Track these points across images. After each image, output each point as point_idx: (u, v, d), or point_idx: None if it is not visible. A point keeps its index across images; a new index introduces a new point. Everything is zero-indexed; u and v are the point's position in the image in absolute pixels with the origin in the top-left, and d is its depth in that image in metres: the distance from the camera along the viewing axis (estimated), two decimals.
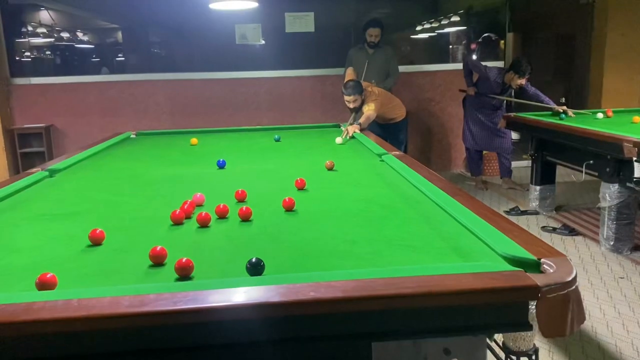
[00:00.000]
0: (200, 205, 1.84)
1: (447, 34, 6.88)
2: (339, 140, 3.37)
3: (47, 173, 2.47)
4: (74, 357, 1.01)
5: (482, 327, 1.10)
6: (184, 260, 1.21)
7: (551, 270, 1.12)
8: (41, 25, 6.59)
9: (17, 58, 6.14)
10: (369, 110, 4.13)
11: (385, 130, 4.63)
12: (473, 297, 1.05)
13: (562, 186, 5.21)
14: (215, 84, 6.19)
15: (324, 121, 5.05)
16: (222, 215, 1.69)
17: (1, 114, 5.76)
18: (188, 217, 1.70)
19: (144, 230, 1.62)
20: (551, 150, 4.42)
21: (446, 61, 6.78)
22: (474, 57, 6.47)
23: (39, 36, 6.50)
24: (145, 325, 1.00)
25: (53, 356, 1.01)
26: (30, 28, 6.43)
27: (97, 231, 1.48)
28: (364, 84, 4.47)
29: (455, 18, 6.79)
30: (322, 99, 6.28)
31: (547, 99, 4.95)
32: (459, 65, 6.44)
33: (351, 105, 4.27)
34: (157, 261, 1.29)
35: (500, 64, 6.51)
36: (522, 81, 5.03)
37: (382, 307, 1.04)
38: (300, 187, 2.11)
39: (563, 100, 5.58)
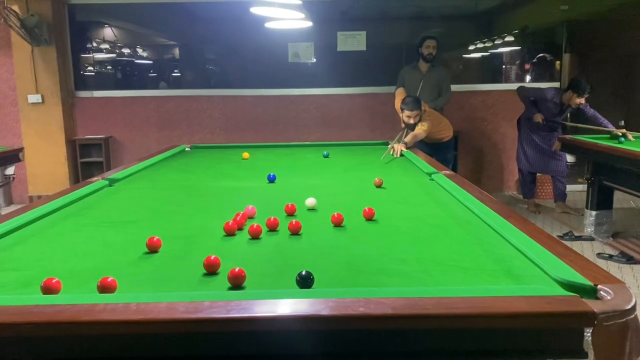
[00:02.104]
0: (251, 218, 1.88)
1: (501, 53, 6.79)
2: (386, 155, 3.40)
3: (107, 182, 2.58)
4: (130, 358, 1.06)
5: (534, 352, 1.07)
6: (237, 270, 1.24)
7: (609, 297, 1.08)
8: (104, 41, 6.92)
9: (81, 72, 6.46)
10: (420, 129, 4.12)
11: (433, 149, 4.60)
12: (526, 321, 1.03)
13: (619, 212, 5.00)
14: (267, 100, 6.32)
15: (372, 139, 5.06)
16: (272, 228, 1.72)
17: (65, 125, 6.06)
18: (240, 229, 1.74)
19: (198, 240, 1.67)
20: (608, 174, 4.27)
21: (499, 81, 6.69)
22: (527, 81, 6.37)
23: (102, 52, 6.83)
24: (198, 331, 1.03)
25: (110, 357, 1.05)
26: (94, 44, 6.77)
27: (155, 239, 1.53)
28: None
29: (510, 38, 6.70)
30: (371, 117, 6.30)
31: (606, 121, 4.80)
32: (512, 86, 6.33)
33: (411, 121, 4.30)
34: (211, 270, 1.32)
35: (555, 84, 6.37)
36: (582, 100, 4.91)
37: (432, 326, 1.04)
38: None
39: (622, 123, 5.38)
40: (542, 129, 5.30)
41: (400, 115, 4.48)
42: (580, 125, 4.99)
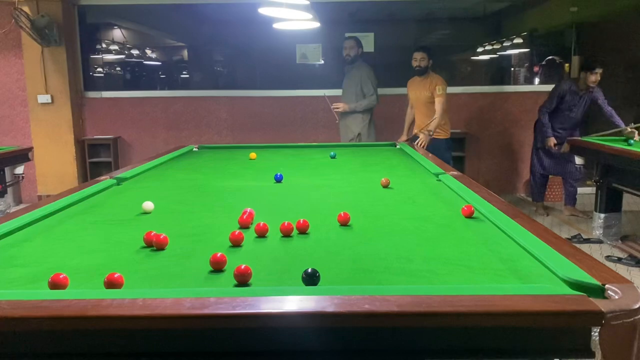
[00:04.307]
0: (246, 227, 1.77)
1: (510, 55, 6.77)
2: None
3: (115, 181, 2.60)
4: (135, 354, 1.06)
5: (541, 351, 1.07)
6: (243, 267, 1.24)
7: (616, 297, 1.08)
8: (114, 42, 6.98)
9: (90, 73, 6.51)
10: (438, 101, 4.78)
11: (430, 149, 4.68)
12: (532, 320, 1.03)
13: (628, 215, 4.97)
14: (274, 101, 6.33)
15: (380, 140, 5.06)
16: (287, 234, 1.66)
17: (75, 125, 6.10)
18: (246, 228, 1.74)
19: (205, 238, 1.67)
20: (618, 176, 4.24)
21: (508, 83, 6.67)
22: (536, 84, 6.35)
23: (112, 53, 6.88)
24: (204, 327, 1.03)
25: (116, 352, 1.06)
26: (104, 45, 6.82)
27: (161, 236, 1.54)
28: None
29: (519, 40, 6.68)
30: (379, 118, 6.29)
31: (620, 121, 4.82)
32: (521, 88, 6.31)
33: (417, 63, 4.83)
34: (217, 267, 1.33)
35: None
36: (596, 77, 4.97)
37: (437, 324, 1.03)
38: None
39: (632, 125, 5.35)
40: (565, 125, 5.26)
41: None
42: (596, 135, 4.94)
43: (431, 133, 4.77)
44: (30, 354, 1.05)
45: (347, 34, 5.87)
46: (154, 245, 1.53)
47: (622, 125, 4.74)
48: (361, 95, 5.16)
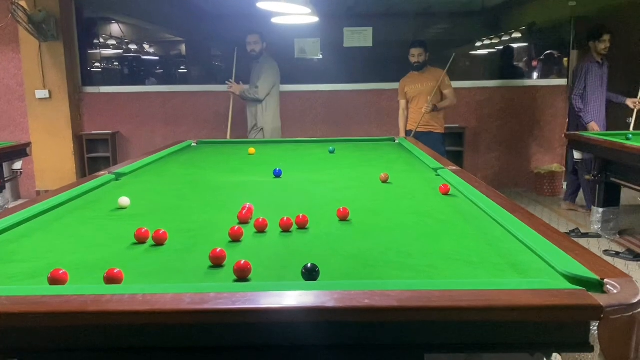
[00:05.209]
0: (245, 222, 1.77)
1: (508, 50, 6.75)
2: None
3: (113, 176, 2.60)
4: (135, 349, 1.06)
5: (539, 345, 1.07)
6: (242, 262, 1.24)
7: (615, 291, 1.08)
8: (111, 37, 6.95)
9: (88, 68, 6.49)
10: (449, 93, 4.94)
11: (426, 138, 4.71)
12: (531, 314, 1.03)
13: (627, 209, 4.98)
14: None
15: (378, 135, 5.06)
16: (286, 229, 1.67)
17: (73, 120, 6.09)
18: (245, 223, 1.74)
19: (204, 233, 1.67)
20: (616, 171, 4.25)
21: (506, 77, 6.66)
22: (534, 78, 6.34)
23: (109, 48, 6.86)
24: (204, 322, 1.03)
25: (117, 347, 1.06)
26: (101, 40, 6.79)
27: (161, 232, 1.54)
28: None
29: (517, 34, 6.67)
30: (378, 113, 6.29)
31: (618, 96, 5.16)
32: (519, 82, 6.30)
33: (415, 59, 4.90)
34: (217, 262, 1.33)
35: (563, 81, 6.34)
36: (605, 44, 5.03)
37: (437, 318, 1.04)
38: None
39: (630, 120, 5.35)
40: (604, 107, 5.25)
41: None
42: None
43: (437, 108, 4.91)
44: (30, 349, 1.05)
45: (346, 29, 5.89)
46: (153, 240, 1.53)
47: (621, 99, 4.91)
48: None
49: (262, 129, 5.19)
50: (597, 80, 5.13)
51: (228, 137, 5.32)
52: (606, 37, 5.02)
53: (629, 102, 5.13)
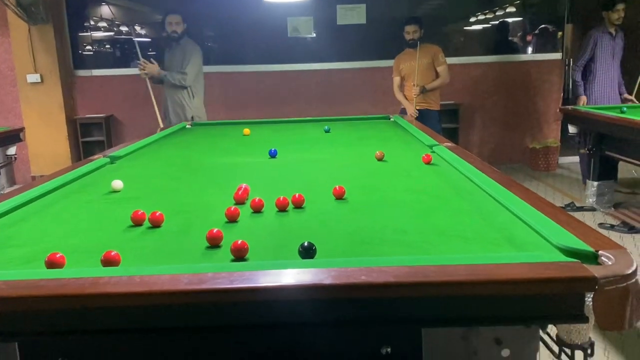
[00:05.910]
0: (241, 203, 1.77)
1: (502, 25, 6.70)
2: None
3: (108, 160, 2.59)
4: (134, 330, 1.07)
5: (535, 318, 1.08)
6: (239, 242, 1.25)
7: (609, 263, 1.09)
8: (102, 19, 6.85)
9: (79, 51, 6.41)
10: (443, 70, 4.92)
11: (422, 116, 4.71)
12: (526, 287, 1.04)
13: (622, 182, 5.00)
14: (267, 76, 6.27)
15: (373, 113, 5.03)
16: (282, 209, 1.67)
17: (66, 104, 6.04)
18: (241, 203, 1.74)
19: (200, 214, 1.67)
20: (610, 145, 4.25)
21: (500, 52, 6.62)
22: (529, 53, 6.29)
23: (100, 30, 6.76)
24: (202, 302, 1.04)
25: (115, 328, 1.07)
26: (92, 22, 6.70)
27: (157, 214, 1.54)
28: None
29: (511, 9, 6.61)
30: (372, 91, 6.26)
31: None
32: (513, 57, 6.26)
33: (410, 36, 4.88)
34: (214, 243, 1.33)
35: (558, 55, 6.31)
36: (618, 13, 4.90)
37: (434, 293, 1.04)
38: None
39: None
40: (613, 79, 5.15)
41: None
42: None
43: (425, 89, 4.88)
44: (28, 333, 1.06)
45: (339, 6, 5.80)
46: (150, 222, 1.53)
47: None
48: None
49: (192, 117, 4.77)
50: (607, 52, 5.03)
51: (161, 125, 4.73)
52: (620, 6, 4.89)
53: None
